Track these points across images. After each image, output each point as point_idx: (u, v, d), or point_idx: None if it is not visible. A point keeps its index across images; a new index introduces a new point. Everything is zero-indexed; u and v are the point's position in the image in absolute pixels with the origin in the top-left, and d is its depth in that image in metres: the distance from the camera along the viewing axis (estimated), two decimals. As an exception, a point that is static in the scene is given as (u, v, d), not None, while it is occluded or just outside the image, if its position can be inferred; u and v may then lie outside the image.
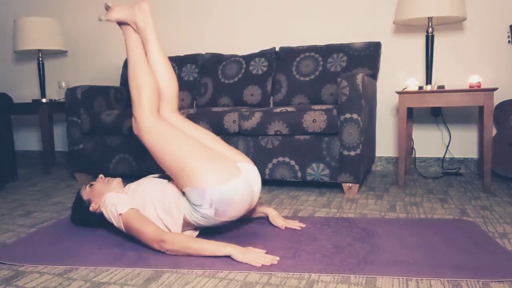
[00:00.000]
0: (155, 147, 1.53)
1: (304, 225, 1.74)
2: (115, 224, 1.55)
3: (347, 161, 2.26)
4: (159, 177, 1.66)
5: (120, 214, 1.51)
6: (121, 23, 1.75)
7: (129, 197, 1.59)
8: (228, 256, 1.39)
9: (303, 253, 1.43)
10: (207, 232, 1.65)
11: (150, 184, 1.60)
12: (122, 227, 1.52)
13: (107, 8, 1.75)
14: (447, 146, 2.92)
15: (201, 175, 1.42)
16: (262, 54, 3.00)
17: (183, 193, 1.51)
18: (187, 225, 1.53)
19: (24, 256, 1.49)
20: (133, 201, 1.57)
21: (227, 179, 1.43)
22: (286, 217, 1.83)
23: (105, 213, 1.58)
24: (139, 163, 2.69)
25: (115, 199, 1.55)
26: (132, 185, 1.66)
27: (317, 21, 3.10)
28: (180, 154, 1.46)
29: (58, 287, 1.24)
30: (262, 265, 1.34)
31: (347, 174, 2.27)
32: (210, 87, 3.02)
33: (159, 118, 1.59)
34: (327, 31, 3.08)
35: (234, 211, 1.47)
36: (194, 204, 1.46)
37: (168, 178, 1.64)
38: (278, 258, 1.38)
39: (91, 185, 1.74)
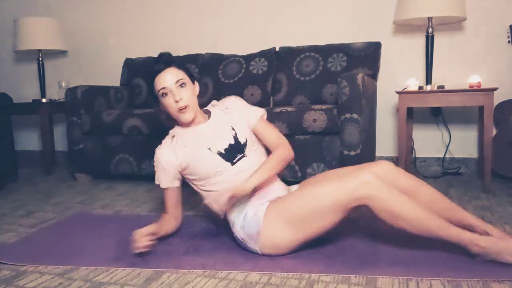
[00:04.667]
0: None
1: None
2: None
3: (347, 161, 2.25)
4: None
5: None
6: None
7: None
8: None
9: (304, 253, 1.43)
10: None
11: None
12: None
13: None
14: (447, 146, 2.92)
15: (281, 243, 1.40)
16: (262, 54, 3.00)
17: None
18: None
19: (25, 256, 1.49)
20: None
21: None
22: None
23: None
24: (139, 163, 2.69)
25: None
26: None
27: (317, 21, 3.10)
28: (317, 210, 1.35)
29: (58, 287, 1.25)
30: (263, 265, 1.33)
31: (347, 174, 2.27)
32: (210, 87, 3.02)
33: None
34: (327, 31, 3.08)
35: None
36: (246, 217, 1.43)
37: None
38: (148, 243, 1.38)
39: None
